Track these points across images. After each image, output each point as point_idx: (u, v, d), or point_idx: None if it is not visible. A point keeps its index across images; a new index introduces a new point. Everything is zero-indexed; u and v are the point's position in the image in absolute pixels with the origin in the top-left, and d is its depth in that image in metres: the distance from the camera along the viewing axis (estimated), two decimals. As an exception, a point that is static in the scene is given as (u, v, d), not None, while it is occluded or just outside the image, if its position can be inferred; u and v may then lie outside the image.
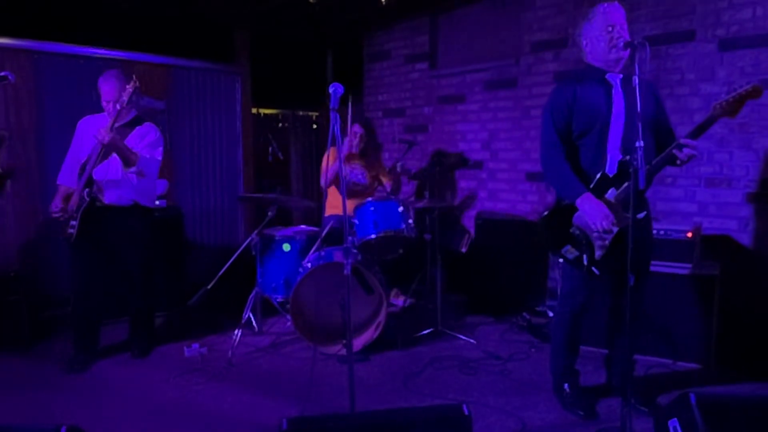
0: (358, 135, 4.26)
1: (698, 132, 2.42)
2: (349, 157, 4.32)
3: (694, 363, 3.30)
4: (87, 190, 3.31)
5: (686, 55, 3.90)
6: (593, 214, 2.53)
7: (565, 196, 2.65)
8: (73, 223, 3.31)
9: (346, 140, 4.26)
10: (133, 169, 3.34)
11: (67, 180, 3.47)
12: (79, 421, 2.81)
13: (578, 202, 2.57)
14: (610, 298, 2.88)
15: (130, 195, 3.44)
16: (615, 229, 2.53)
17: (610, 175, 2.56)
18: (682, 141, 2.42)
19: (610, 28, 2.55)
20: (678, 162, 2.48)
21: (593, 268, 2.63)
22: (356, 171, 4.29)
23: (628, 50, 2.50)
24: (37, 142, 4.46)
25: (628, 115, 2.57)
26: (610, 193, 2.56)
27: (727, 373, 3.20)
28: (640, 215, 2.59)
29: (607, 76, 2.64)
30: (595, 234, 2.59)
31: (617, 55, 2.56)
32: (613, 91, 2.62)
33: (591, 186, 2.58)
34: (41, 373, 3.37)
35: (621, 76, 2.63)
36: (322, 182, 4.15)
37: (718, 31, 3.75)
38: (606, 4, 2.62)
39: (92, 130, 3.34)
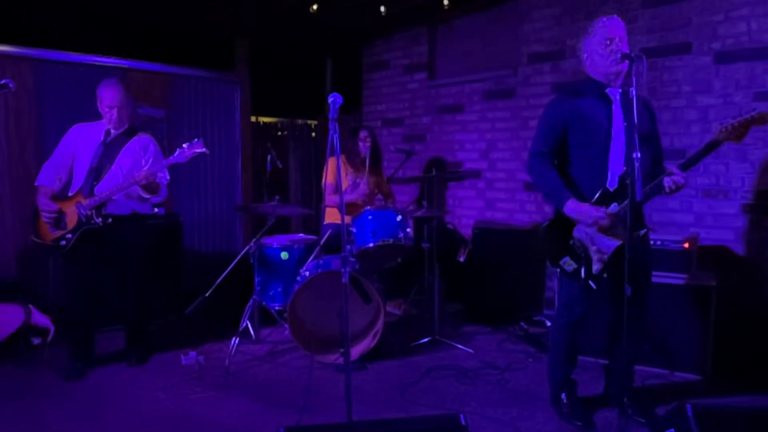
0: (369, 140, 4.25)
1: (698, 157, 2.43)
2: (359, 168, 4.24)
3: (691, 373, 3.30)
4: (94, 211, 3.28)
5: (683, 68, 3.93)
6: (582, 213, 2.55)
7: (552, 202, 2.70)
8: (69, 236, 3.29)
9: (355, 148, 4.25)
10: (152, 195, 3.44)
11: (48, 181, 3.40)
12: (75, 429, 2.83)
13: (565, 207, 2.60)
14: (610, 310, 2.87)
15: (131, 205, 3.48)
16: (617, 243, 2.54)
17: (611, 190, 2.57)
18: (670, 169, 2.45)
19: (608, 41, 2.56)
20: (666, 191, 2.47)
21: (590, 282, 2.63)
22: (362, 182, 4.22)
23: (626, 63, 2.50)
24: (36, 148, 4.46)
25: (627, 130, 2.57)
26: (613, 207, 2.56)
27: (723, 383, 3.20)
28: (640, 232, 2.60)
29: (607, 91, 2.64)
30: (593, 248, 2.59)
31: (616, 68, 2.57)
32: (613, 106, 2.63)
33: (592, 201, 2.59)
34: (38, 380, 3.35)
35: (620, 90, 2.64)
36: (329, 192, 4.12)
37: (714, 44, 3.79)
38: (606, 18, 2.63)
39: (86, 139, 3.38)
